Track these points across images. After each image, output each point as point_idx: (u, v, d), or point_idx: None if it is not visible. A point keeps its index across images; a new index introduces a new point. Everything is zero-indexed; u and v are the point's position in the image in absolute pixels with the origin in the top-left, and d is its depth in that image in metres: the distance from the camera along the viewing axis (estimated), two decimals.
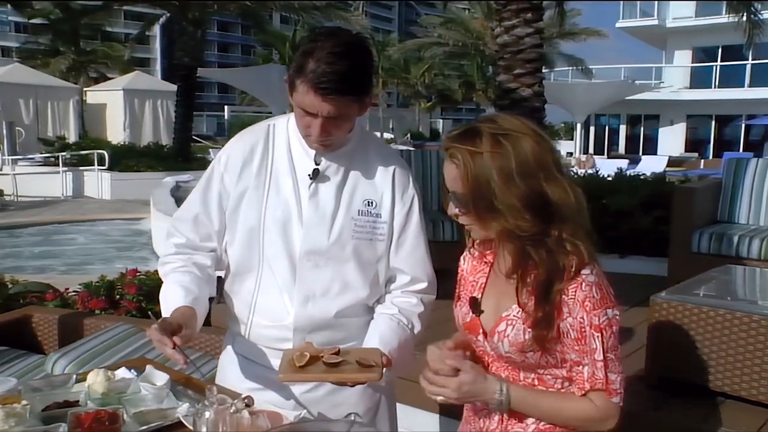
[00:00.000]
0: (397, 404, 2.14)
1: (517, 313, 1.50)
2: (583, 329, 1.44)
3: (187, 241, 1.88)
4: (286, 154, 1.83)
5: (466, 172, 1.43)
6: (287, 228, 1.79)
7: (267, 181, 1.81)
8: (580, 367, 1.48)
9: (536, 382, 1.55)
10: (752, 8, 13.83)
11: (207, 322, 4.28)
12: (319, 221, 1.79)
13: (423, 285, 1.91)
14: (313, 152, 1.79)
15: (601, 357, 1.45)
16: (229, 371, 1.95)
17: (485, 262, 1.66)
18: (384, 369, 1.59)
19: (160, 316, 1.68)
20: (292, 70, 1.64)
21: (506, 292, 1.55)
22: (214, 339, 3.17)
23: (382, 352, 1.67)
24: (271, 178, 1.81)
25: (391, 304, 1.89)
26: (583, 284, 1.44)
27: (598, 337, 1.44)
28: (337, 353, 1.60)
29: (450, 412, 3.08)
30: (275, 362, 1.83)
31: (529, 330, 1.48)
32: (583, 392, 1.48)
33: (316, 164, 1.79)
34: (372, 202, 1.83)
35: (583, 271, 1.44)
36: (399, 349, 1.78)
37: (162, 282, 1.89)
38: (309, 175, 1.79)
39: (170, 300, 1.77)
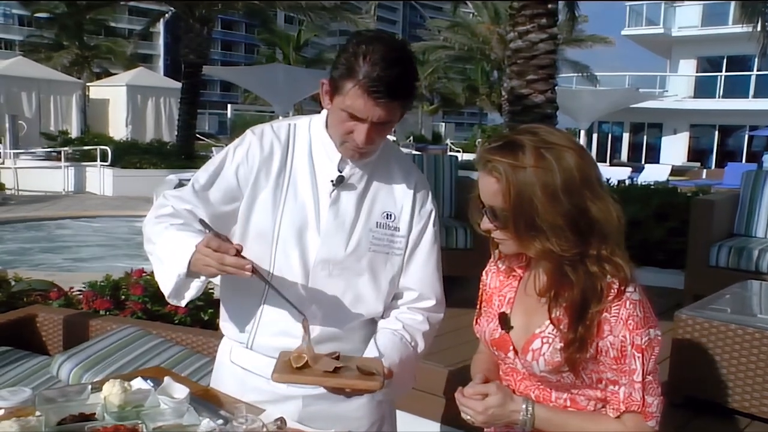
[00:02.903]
0: (399, 412, 2.09)
1: (552, 330, 1.44)
2: (624, 348, 1.39)
3: (184, 211, 1.71)
4: (306, 157, 1.76)
5: (507, 188, 1.36)
6: (303, 235, 1.72)
7: (285, 185, 1.74)
8: (616, 387, 1.42)
9: (568, 403, 1.49)
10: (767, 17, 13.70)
11: (215, 326, 4.17)
12: (338, 230, 1.73)
13: (431, 303, 1.84)
14: (336, 158, 1.72)
15: (640, 378, 1.39)
16: (227, 383, 1.86)
17: (513, 276, 1.59)
18: (384, 380, 1.52)
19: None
20: (339, 72, 1.58)
21: (537, 308, 1.48)
22: None
23: (384, 362, 1.60)
24: (290, 182, 1.74)
25: (395, 319, 1.81)
26: (628, 302, 1.38)
27: (639, 357, 1.39)
28: (337, 358, 1.54)
29: (452, 421, 3.01)
30: None
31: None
32: (618, 413, 1.42)
33: (339, 171, 1.73)
34: (391, 215, 1.77)
35: (628, 289, 1.39)
36: (400, 365, 1.70)
37: None
38: (332, 181, 1.72)
39: (183, 241, 1.58)
